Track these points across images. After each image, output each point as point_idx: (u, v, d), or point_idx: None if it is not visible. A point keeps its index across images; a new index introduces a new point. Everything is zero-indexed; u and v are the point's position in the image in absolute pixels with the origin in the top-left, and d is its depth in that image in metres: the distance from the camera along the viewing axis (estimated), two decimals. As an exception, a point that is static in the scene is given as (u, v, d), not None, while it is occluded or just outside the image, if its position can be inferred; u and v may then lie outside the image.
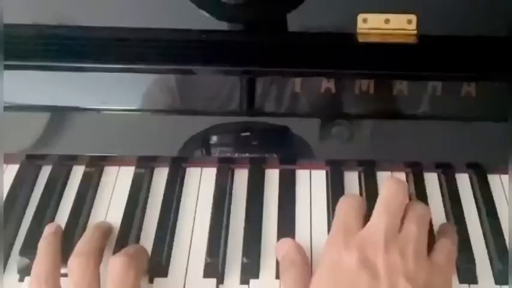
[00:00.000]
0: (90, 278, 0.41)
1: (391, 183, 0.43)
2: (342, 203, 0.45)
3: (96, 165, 0.52)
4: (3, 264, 0.45)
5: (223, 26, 0.49)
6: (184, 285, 0.44)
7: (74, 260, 0.42)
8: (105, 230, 0.47)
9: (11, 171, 0.52)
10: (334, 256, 0.40)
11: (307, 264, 0.44)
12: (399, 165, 0.52)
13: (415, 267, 0.39)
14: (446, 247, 0.43)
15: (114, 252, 0.45)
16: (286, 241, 0.45)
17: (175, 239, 0.47)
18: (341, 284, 0.39)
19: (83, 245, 0.44)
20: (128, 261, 0.41)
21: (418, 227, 0.41)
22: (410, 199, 0.47)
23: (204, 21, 0.48)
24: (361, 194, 0.50)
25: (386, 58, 0.47)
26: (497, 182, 0.51)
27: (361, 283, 0.38)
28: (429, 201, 0.49)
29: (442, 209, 0.49)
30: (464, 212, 0.48)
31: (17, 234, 0.48)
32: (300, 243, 0.45)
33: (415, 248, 0.40)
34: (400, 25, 0.48)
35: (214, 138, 0.50)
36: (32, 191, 0.51)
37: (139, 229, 0.48)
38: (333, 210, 0.48)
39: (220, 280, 0.45)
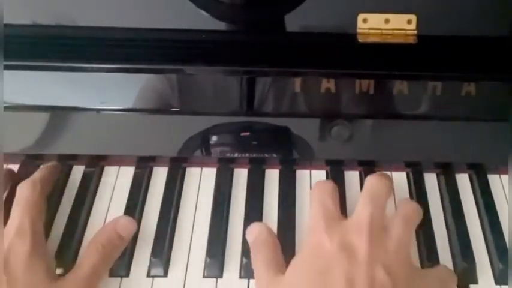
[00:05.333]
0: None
1: (374, 176, 0.44)
2: (315, 191, 0.45)
3: (96, 165, 0.52)
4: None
5: (223, 26, 0.49)
6: (184, 285, 0.44)
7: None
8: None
9: (11, 171, 0.52)
10: (315, 240, 0.41)
11: (278, 245, 0.44)
12: (399, 165, 0.52)
13: (396, 262, 0.38)
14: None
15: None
16: (256, 225, 0.46)
17: (175, 239, 0.47)
18: (318, 265, 0.39)
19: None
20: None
21: (405, 226, 0.41)
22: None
23: (204, 21, 0.48)
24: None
25: (386, 58, 0.47)
26: (497, 182, 0.51)
27: (338, 266, 0.38)
28: (429, 201, 0.49)
29: (442, 209, 0.49)
30: (464, 212, 0.48)
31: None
32: (299, 244, 0.45)
33: (399, 245, 0.40)
34: (400, 25, 0.48)
35: (214, 138, 0.50)
36: (32, 191, 0.51)
37: (139, 229, 0.48)
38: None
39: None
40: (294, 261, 0.41)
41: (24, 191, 0.45)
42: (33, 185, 0.46)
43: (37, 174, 0.48)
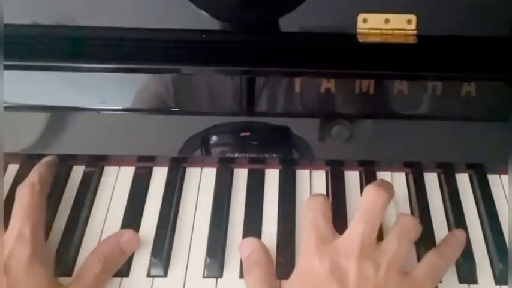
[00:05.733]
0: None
1: (370, 191, 0.43)
2: (306, 210, 0.45)
3: (96, 165, 0.52)
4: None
5: (223, 26, 0.49)
6: (184, 285, 0.44)
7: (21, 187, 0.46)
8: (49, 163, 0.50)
9: (11, 171, 0.52)
10: (307, 263, 0.41)
11: (271, 265, 0.44)
12: (399, 165, 0.52)
13: (385, 279, 0.39)
14: (431, 261, 0.42)
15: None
16: (250, 241, 0.46)
17: (175, 239, 0.47)
18: None
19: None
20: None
21: (400, 240, 0.41)
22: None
23: (204, 21, 0.48)
24: (361, 195, 0.50)
25: (386, 58, 0.47)
26: (497, 182, 0.51)
27: None
28: (429, 201, 0.49)
29: (442, 209, 0.49)
30: (464, 212, 0.48)
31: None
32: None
33: (390, 260, 0.40)
34: (400, 25, 0.48)
35: (214, 138, 0.50)
36: (32, 191, 0.51)
37: (139, 229, 0.48)
38: (333, 210, 0.48)
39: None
40: (286, 286, 0.41)
41: (23, 194, 0.45)
42: (32, 188, 0.46)
43: (35, 175, 0.47)
